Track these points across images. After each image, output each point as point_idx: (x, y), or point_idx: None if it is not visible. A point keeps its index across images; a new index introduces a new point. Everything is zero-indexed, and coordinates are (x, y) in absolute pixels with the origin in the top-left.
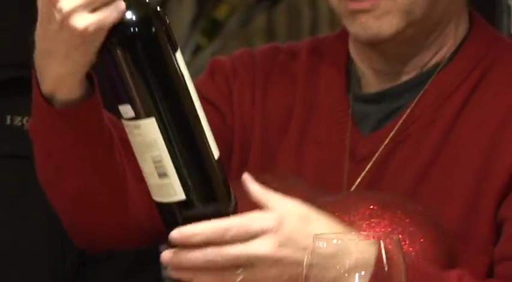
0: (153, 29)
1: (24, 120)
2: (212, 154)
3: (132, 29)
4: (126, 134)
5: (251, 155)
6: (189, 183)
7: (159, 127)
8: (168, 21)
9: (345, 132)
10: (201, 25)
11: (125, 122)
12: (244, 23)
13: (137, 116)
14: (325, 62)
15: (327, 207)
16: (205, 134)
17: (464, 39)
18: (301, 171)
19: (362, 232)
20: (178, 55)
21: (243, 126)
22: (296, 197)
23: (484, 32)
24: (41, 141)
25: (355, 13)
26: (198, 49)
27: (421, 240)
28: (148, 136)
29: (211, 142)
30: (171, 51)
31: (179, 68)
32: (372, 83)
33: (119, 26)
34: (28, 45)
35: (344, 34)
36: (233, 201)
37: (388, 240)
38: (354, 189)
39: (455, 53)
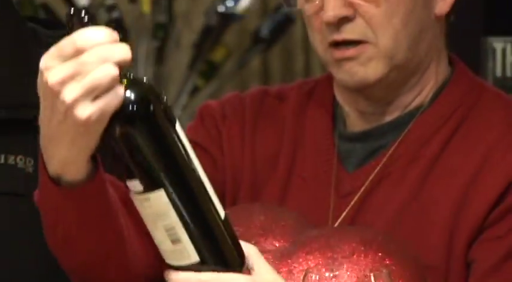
0: (151, 108)
1: (18, 159)
2: (219, 215)
3: (131, 110)
4: (126, 193)
5: (241, 192)
6: (202, 245)
7: (169, 198)
8: (165, 97)
9: (330, 169)
10: (198, 67)
11: (134, 196)
12: (240, 66)
13: (146, 190)
14: (312, 104)
15: (311, 243)
16: (210, 197)
17: (446, 82)
18: (287, 205)
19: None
20: (178, 127)
21: (233, 166)
22: (282, 230)
23: (465, 77)
24: (47, 213)
25: (340, 61)
26: (195, 90)
27: (400, 281)
28: (158, 207)
29: (216, 203)
30: (169, 126)
31: (179, 139)
32: (356, 123)
33: (119, 109)
34: (18, 88)
35: (331, 77)
36: (240, 255)
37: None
38: (338, 225)
39: (436, 95)
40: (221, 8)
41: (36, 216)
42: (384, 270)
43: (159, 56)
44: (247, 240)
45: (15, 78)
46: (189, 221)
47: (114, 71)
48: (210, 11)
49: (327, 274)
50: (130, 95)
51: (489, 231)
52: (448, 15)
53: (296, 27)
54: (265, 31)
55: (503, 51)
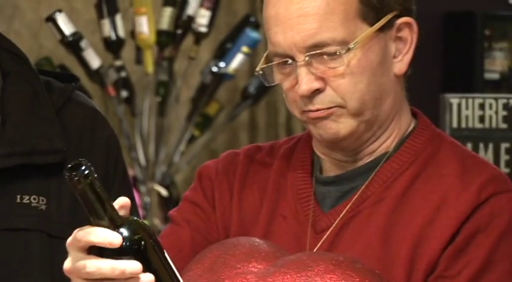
0: (143, 243)
1: (32, 198)
2: None
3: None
4: None
5: (231, 235)
6: None
7: None
8: (154, 234)
9: (308, 209)
10: (195, 120)
11: None
12: (231, 118)
13: None
14: (295, 154)
15: (288, 265)
16: None
17: (411, 132)
18: (270, 240)
19: None
20: (166, 255)
21: (223, 215)
22: (263, 256)
23: (427, 129)
24: None
25: (314, 120)
26: (192, 139)
27: None
28: None
29: None
30: (158, 255)
31: (170, 265)
32: (331, 169)
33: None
34: (30, 137)
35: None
36: None
37: None
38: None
39: (401, 143)
40: (215, 69)
41: (45, 250)
42: None
43: (161, 110)
44: (234, 265)
45: (28, 128)
46: None
47: None
48: (205, 71)
49: None
50: (126, 233)
51: (444, 270)
52: (406, 72)
53: (279, 86)
54: (252, 88)
55: (459, 106)
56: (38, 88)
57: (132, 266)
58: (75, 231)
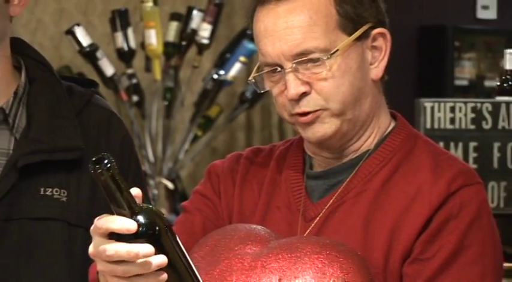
0: (157, 228)
1: (54, 191)
2: None
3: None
4: None
5: (233, 222)
6: None
7: None
8: (168, 221)
9: (299, 201)
10: (197, 121)
11: None
12: (230, 120)
13: None
14: (290, 153)
15: (280, 247)
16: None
17: (390, 132)
18: (266, 227)
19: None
20: (178, 240)
21: (227, 205)
22: (258, 239)
23: (405, 129)
24: None
25: (303, 124)
26: (195, 139)
27: (352, 269)
28: None
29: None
30: (170, 239)
31: (181, 248)
32: (319, 165)
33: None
34: (53, 136)
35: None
36: None
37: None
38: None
39: (381, 142)
40: (215, 76)
41: (65, 237)
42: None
43: (168, 113)
44: (232, 247)
45: (50, 128)
46: None
47: None
48: (207, 78)
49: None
50: (142, 219)
51: (419, 254)
52: (382, 77)
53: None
54: (249, 93)
55: (432, 109)
56: (60, 92)
57: (145, 249)
58: (96, 219)
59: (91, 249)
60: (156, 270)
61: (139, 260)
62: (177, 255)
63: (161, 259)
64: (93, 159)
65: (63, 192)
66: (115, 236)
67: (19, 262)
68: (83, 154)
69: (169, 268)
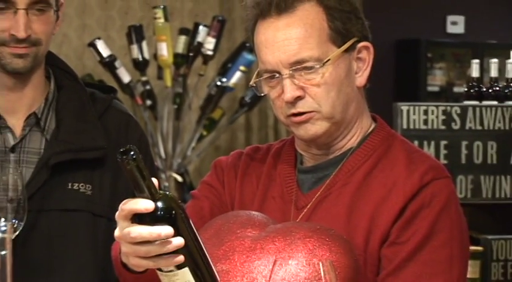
0: (173, 212)
1: (80, 185)
2: (214, 274)
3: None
4: None
5: (235, 209)
6: None
7: (191, 272)
8: (183, 206)
9: (291, 192)
10: (203, 123)
11: (163, 273)
12: (231, 121)
13: (173, 270)
14: (284, 151)
15: (276, 231)
16: (212, 269)
17: (371, 132)
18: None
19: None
20: (191, 223)
21: (230, 194)
22: (257, 223)
23: (384, 129)
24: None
25: (297, 123)
26: (201, 138)
27: (339, 251)
28: (182, 279)
29: (216, 272)
30: (186, 225)
31: (192, 230)
32: (309, 160)
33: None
34: (78, 137)
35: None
36: None
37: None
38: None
39: (362, 141)
40: (219, 83)
41: (90, 226)
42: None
43: (177, 115)
44: (234, 230)
45: (77, 130)
46: None
47: None
48: (211, 85)
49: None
50: (161, 204)
51: (395, 238)
52: (365, 85)
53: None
54: (248, 98)
55: (408, 112)
56: (85, 99)
57: (166, 230)
58: (120, 204)
59: (117, 232)
60: (173, 252)
61: (159, 241)
62: (190, 237)
63: (179, 240)
64: (121, 150)
65: (88, 187)
66: (137, 220)
67: (50, 249)
68: (106, 153)
69: (183, 248)
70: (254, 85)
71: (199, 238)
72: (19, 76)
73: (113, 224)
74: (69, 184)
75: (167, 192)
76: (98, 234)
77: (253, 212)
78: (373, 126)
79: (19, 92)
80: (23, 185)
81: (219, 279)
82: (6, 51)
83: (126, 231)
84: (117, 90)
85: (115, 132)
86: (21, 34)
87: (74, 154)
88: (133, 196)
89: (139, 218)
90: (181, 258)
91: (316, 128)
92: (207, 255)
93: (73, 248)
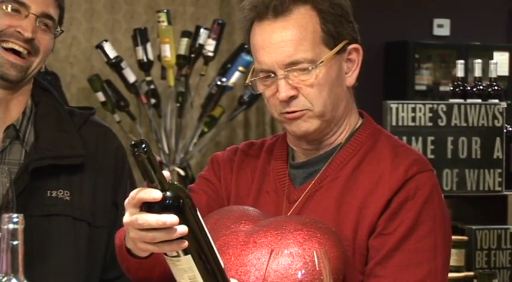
0: (181, 201)
1: (59, 192)
2: (221, 265)
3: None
4: None
5: (231, 203)
6: None
7: (194, 259)
8: (191, 197)
9: (284, 186)
10: (204, 120)
11: (169, 258)
12: (230, 119)
13: (178, 255)
14: (276, 146)
15: (269, 225)
16: (217, 256)
17: (358, 128)
18: (258, 209)
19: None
20: (198, 213)
21: (226, 188)
22: (250, 218)
23: (370, 126)
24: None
25: (290, 120)
26: (202, 134)
27: (327, 243)
28: (186, 265)
29: (219, 257)
30: (193, 213)
31: (199, 220)
32: (300, 156)
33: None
34: (57, 146)
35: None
36: None
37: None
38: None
39: (350, 137)
40: (219, 83)
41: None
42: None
43: (180, 113)
44: (229, 225)
45: (55, 139)
46: (205, 272)
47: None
48: (212, 84)
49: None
50: (169, 194)
51: (382, 229)
52: (354, 84)
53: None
54: (246, 97)
55: (397, 109)
56: (62, 112)
57: (171, 218)
58: (131, 192)
59: (125, 219)
60: (178, 238)
61: (165, 229)
62: (197, 226)
63: (183, 228)
64: (132, 143)
65: (67, 193)
66: (146, 208)
67: (32, 253)
68: (84, 161)
69: (189, 236)
70: (249, 84)
71: (205, 227)
72: (7, 90)
73: (94, 230)
74: (48, 192)
75: (176, 183)
76: (79, 238)
77: (247, 207)
78: (360, 122)
79: (3, 107)
80: (13, 192)
81: (223, 266)
82: (3, 57)
83: (134, 218)
84: (95, 109)
85: (93, 143)
86: (28, 34)
87: (53, 160)
88: (115, 204)
89: (148, 206)
90: (184, 244)
91: (308, 125)
92: (212, 243)
93: (55, 253)
